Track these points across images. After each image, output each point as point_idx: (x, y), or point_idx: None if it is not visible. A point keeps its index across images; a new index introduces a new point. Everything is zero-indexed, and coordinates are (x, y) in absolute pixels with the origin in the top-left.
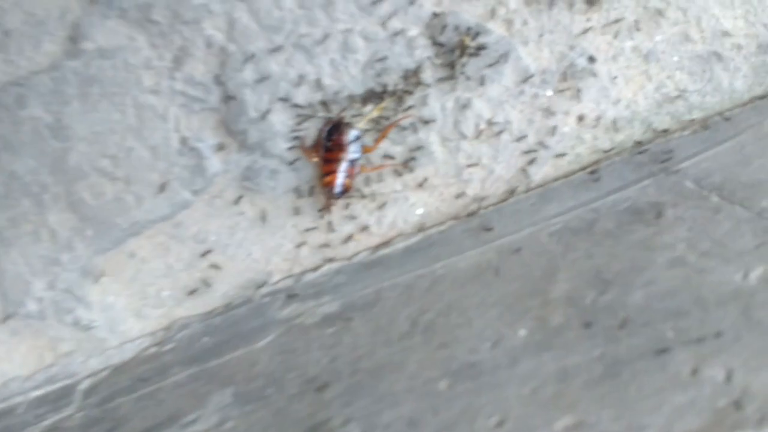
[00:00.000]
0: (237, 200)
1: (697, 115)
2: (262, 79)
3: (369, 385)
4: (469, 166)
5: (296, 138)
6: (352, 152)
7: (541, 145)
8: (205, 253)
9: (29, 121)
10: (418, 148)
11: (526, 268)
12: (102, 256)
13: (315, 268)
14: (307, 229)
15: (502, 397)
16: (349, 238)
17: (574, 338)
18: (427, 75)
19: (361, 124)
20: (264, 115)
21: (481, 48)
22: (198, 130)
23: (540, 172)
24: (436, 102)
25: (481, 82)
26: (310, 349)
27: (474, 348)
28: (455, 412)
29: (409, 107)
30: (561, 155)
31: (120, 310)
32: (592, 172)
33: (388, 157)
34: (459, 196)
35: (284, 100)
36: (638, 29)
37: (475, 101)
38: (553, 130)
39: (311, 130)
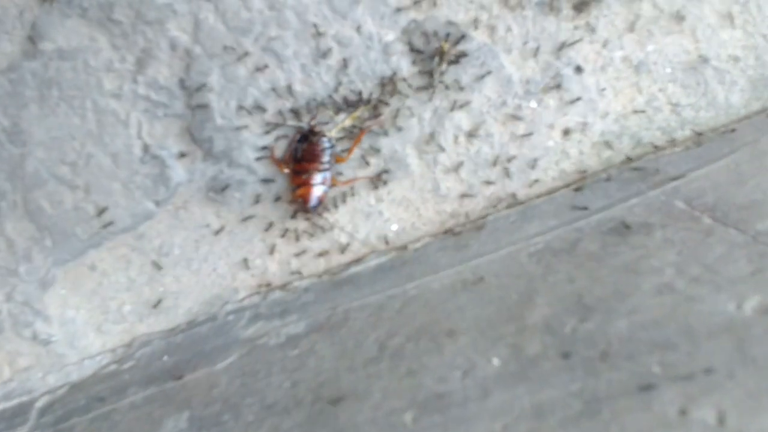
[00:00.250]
0: (202, 212)
1: (689, 130)
2: (229, 84)
3: (330, 415)
4: (447, 180)
5: (265, 148)
6: (324, 163)
7: (524, 159)
8: (168, 267)
9: None
10: (394, 160)
11: (503, 290)
12: (61, 268)
13: (283, 286)
14: (276, 244)
15: None
16: (319, 255)
17: (551, 370)
18: (404, 83)
19: (333, 132)
20: (230, 123)
21: (461, 55)
22: (161, 137)
23: (521, 189)
24: (413, 112)
25: (461, 91)
26: (272, 372)
27: (443, 377)
28: None
29: (381, 114)
30: (544, 171)
31: (80, 324)
32: (576, 190)
33: (361, 169)
34: (436, 212)
35: (252, 106)
36: (629, 38)
37: (455, 112)
38: (536, 144)
39: (281, 140)
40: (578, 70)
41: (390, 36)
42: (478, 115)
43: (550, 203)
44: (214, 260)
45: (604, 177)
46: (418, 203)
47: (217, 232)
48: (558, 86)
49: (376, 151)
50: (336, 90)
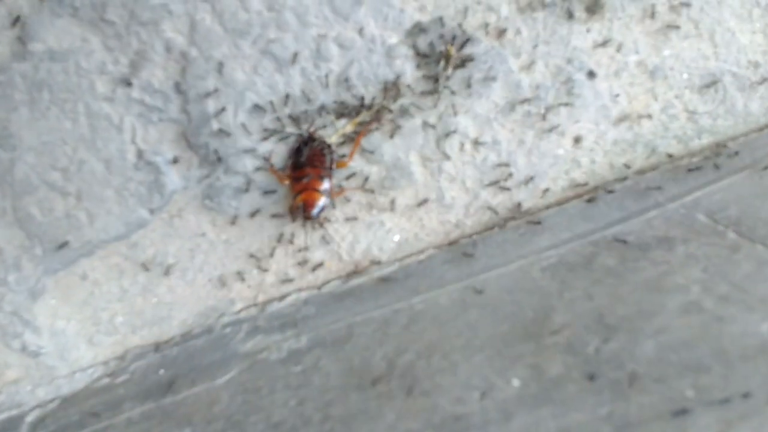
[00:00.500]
0: (197, 220)
1: (707, 139)
2: (226, 88)
3: None
4: (452, 189)
5: (265, 159)
6: (325, 168)
7: (532, 168)
8: (161, 277)
9: None
10: (396, 168)
11: (517, 306)
12: (52, 277)
13: (281, 298)
14: (273, 254)
15: None
16: (318, 266)
17: (576, 392)
18: (408, 88)
19: (334, 138)
20: (227, 128)
21: (467, 59)
22: (156, 142)
23: (530, 199)
24: (417, 118)
25: (468, 96)
26: (275, 389)
27: (460, 398)
28: None
29: (381, 114)
30: (554, 180)
31: (71, 335)
32: (588, 201)
33: (363, 177)
34: (440, 222)
35: (250, 112)
36: (644, 42)
37: (461, 118)
38: (545, 153)
39: (279, 149)
40: (591, 75)
41: (393, 39)
42: (485, 121)
43: (562, 215)
44: (210, 270)
45: (617, 187)
46: (422, 213)
47: (213, 242)
48: (569, 92)
49: (379, 158)
50: (337, 95)
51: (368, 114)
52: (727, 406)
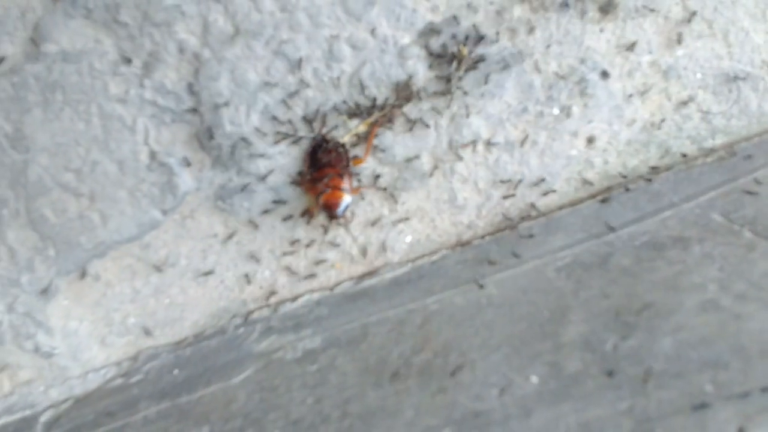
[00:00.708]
0: (210, 221)
1: (721, 139)
2: (239, 89)
3: (361, 431)
4: (464, 190)
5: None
6: (343, 167)
7: (545, 169)
8: (174, 278)
9: None
10: (409, 169)
11: (533, 306)
12: (64, 278)
13: (293, 298)
14: (285, 255)
15: None
16: (331, 267)
17: (596, 388)
18: (420, 88)
19: (347, 138)
20: (240, 129)
21: (480, 59)
22: (169, 143)
23: (544, 199)
24: (430, 118)
25: (480, 97)
26: (292, 387)
27: (479, 395)
28: None
29: (393, 113)
30: (567, 181)
31: (83, 336)
32: (603, 201)
33: (376, 177)
34: (453, 223)
35: (263, 112)
36: (657, 42)
37: (473, 118)
38: (558, 153)
39: (292, 150)
40: (604, 75)
41: (406, 39)
42: (497, 122)
43: (575, 215)
44: (222, 271)
45: (631, 188)
46: (434, 214)
47: (225, 243)
48: (582, 92)
49: (392, 159)
50: (349, 95)
51: (380, 114)
52: (747, 400)
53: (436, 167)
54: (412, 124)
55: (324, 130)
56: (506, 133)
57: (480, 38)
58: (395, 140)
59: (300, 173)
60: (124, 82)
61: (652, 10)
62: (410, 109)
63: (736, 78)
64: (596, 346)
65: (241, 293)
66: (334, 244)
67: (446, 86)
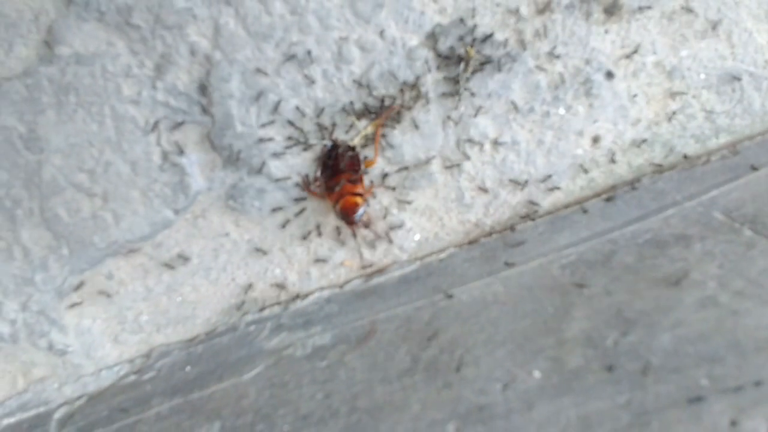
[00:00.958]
0: (221, 220)
1: (724, 138)
2: (250, 90)
3: (369, 425)
4: (472, 189)
5: (297, 185)
6: (356, 171)
7: (551, 168)
8: (185, 276)
9: (1, 131)
10: (417, 168)
11: (537, 303)
12: (78, 277)
13: (303, 296)
14: (295, 254)
15: None
16: (340, 265)
17: (596, 382)
18: (428, 89)
19: (357, 140)
20: (251, 130)
21: (487, 60)
22: (181, 144)
23: (550, 198)
24: (437, 118)
25: (487, 97)
26: (302, 383)
27: (483, 389)
28: None
29: (401, 114)
30: (572, 179)
31: (96, 334)
32: (608, 199)
33: (384, 176)
34: (460, 221)
35: (273, 113)
36: (662, 43)
37: (480, 118)
38: (564, 152)
39: (304, 156)
40: (609, 75)
41: (414, 41)
42: (504, 122)
43: (581, 213)
44: (233, 270)
45: (636, 186)
46: (442, 213)
47: (236, 242)
48: (588, 92)
49: (400, 159)
50: (358, 96)
51: (388, 114)
52: (740, 393)
53: (444, 166)
54: (419, 124)
55: (333, 135)
56: (513, 133)
57: (487, 39)
58: (404, 140)
59: (305, 176)
60: (137, 83)
61: (656, 12)
62: (418, 110)
63: (739, 78)
64: (597, 342)
65: (252, 291)
66: (343, 243)
67: (454, 87)
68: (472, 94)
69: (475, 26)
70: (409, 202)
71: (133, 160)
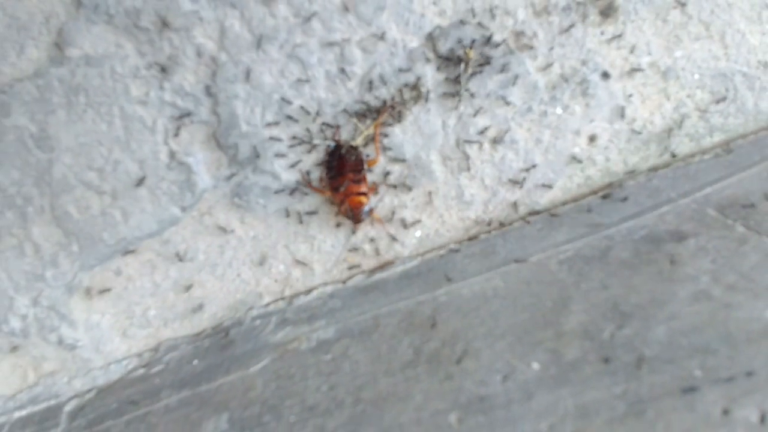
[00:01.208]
0: (227, 217)
1: (718, 137)
2: (255, 90)
3: (374, 415)
4: (471, 187)
5: (298, 182)
6: (360, 171)
7: (549, 166)
8: (192, 272)
9: (13, 130)
10: (418, 167)
11: (536, 297)
12: (87, 273)
13: (307, 291)
14: (299, 250)
15: None
16: (343, 261)
17: (593, 374)
18: (428, 89)
19: (359, 140)
20: (256, 129)
21: (486, 62)
22: (187, 143)
23: (547, 195)
24: (437, 118)
25: (486, 97)
26: (307, 375)
27: (484, 380)
28: None
29: (402, 114)
30: (570, 177)
31: (105, 329)
32: (604, 197)
33: (386, 174)
34: (460, 218)
35: (277, 113)
36: (657, 44)
37: (479, 118)
38: (562, 151)
39: (308, 156)
40: (605, 76)
41: (414, 42)
42: (503, 121)
43: (578, 210)
44: (238, 266)
45: (632, 184)
46: (442, 210)
47: (241, 239)
48: (584, 92)
49: (401, 157)
50: (360, 97)
51: (389, 115)
52: (732, 383)
53: (444, 165)
54: (420, 123)
55: (336, 136)
56: (511, 132)
57: (486, 41)
58: (405, 139)
59: (306, 173)
60: (145, 84)
61: (651, 14)
62: (419, 110)
63: (732, 78)
64: (594, 335)
65: (257, 286)
66: (346, 239)
67: (454, 88)
68: (472, 95)
69: (474, 28)
70: (410, 200)
71: (141, 159)
